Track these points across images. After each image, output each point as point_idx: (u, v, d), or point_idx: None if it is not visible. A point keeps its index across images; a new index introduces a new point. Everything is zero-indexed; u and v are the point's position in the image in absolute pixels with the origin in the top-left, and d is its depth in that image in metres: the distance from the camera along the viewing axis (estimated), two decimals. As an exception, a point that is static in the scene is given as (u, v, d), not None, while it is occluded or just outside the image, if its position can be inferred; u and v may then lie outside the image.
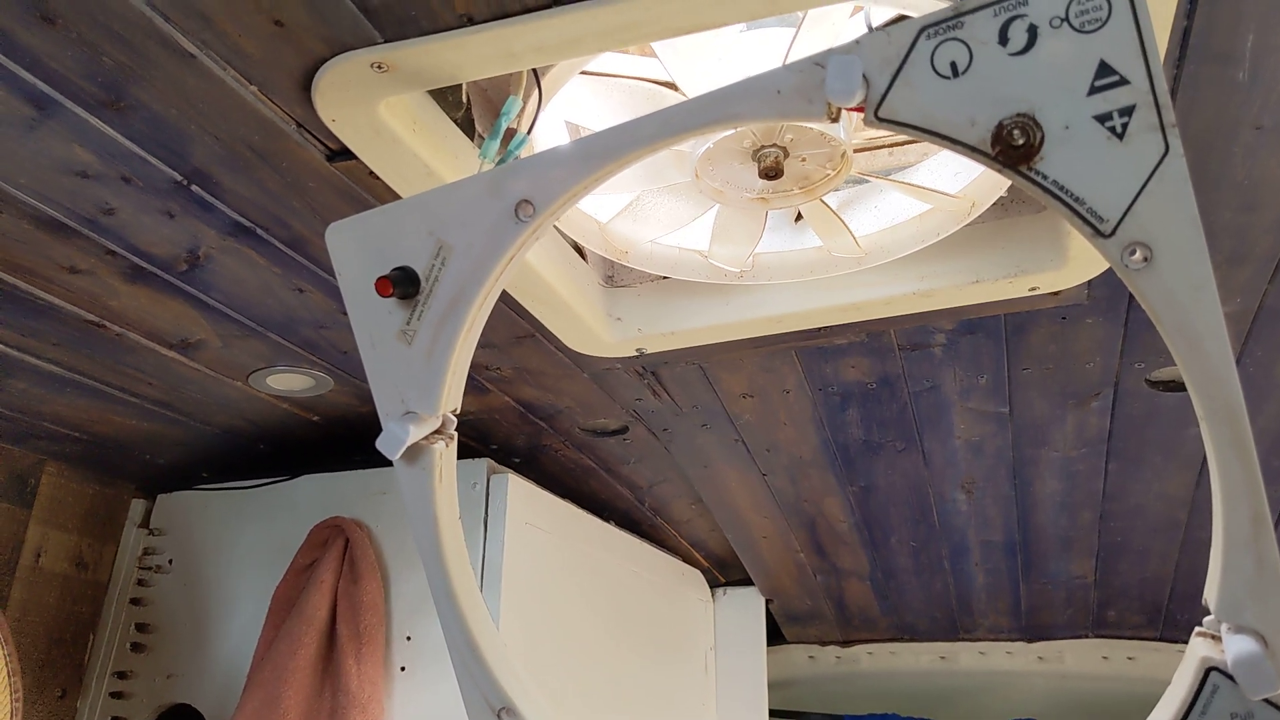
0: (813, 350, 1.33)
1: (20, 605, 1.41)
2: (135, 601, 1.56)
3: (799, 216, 1.18)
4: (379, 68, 0.75)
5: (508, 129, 0.80)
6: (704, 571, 2.35)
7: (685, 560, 2.27)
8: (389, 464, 1.47)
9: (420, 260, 0.68)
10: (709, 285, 1.22)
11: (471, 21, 0.72)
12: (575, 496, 1.81)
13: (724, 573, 2.39)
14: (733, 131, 0.90)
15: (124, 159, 0.86)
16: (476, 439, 1.60)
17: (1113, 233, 0.54)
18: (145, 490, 1.63)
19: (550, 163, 0.63)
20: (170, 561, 1.56)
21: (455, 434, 0.72)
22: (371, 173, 0.89)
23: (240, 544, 1.52)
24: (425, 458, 0.70)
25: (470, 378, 1.37)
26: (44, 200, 0.91)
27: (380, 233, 0.69)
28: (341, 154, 0.88)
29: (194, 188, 0.91)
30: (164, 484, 1.62)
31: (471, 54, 0.74)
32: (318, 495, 1.50)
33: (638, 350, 1.28)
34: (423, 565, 0.72)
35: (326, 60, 0.75)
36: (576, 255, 1.20)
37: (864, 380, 1.41)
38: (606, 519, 1.88)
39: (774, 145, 0.94)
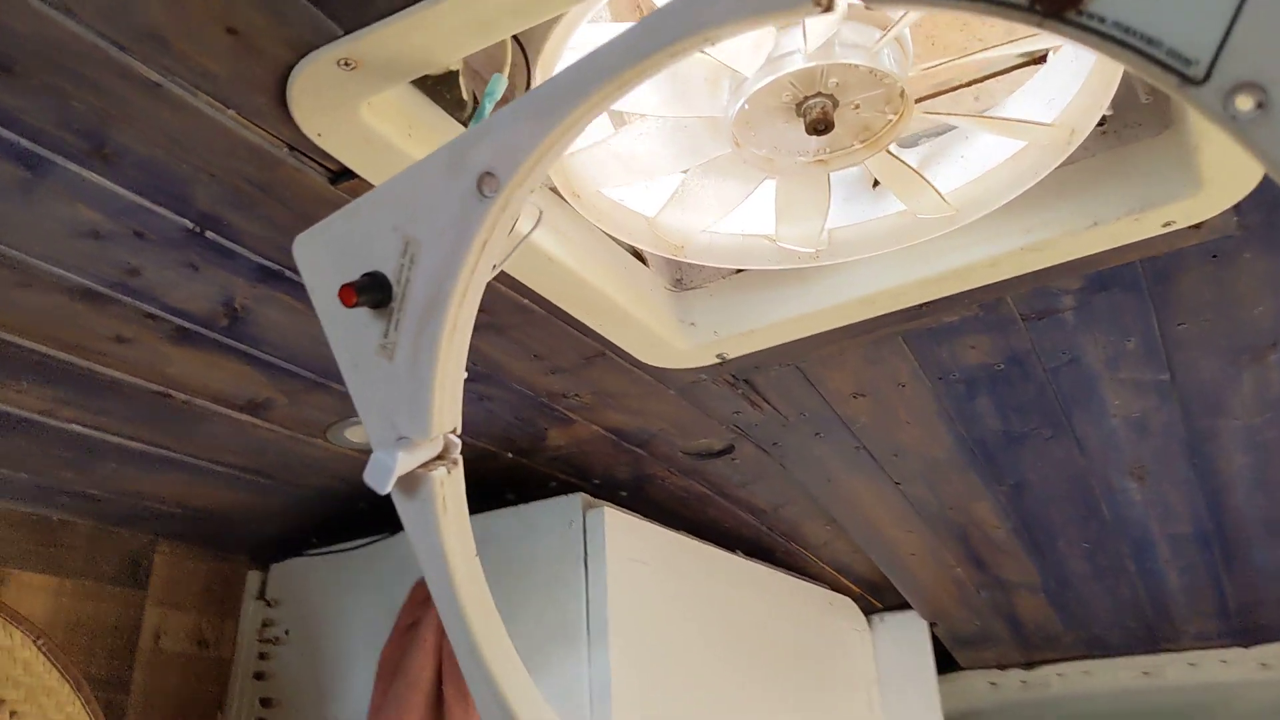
0: (921, 333, 1.18)
1: (143, 689, 1.41)
2: (258, 676, 1.53)
3: (877, 183, 1.05)
4: (346, 65, 0.68)
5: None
6: (855, 598, 2.17)
7: (832, 587, 2.11)
8: (487, 510, 1.40)
9: (389, 261, 0.59)
10: (785, 272, 1.10)
11: (429, -9, 0.64)
12: (694, 527, 1.69)
13: (879, 597, 2.21)
14: (767, 82, 0.79)
15: (129, 212, 0.83)
16: (575, 475, 1.51)
17: (1207, 76, 0.40)
18: (259, 561, 1.62)
19: (507, 122, 0.54)
20: (287, 632, 1.54)
21: (460, 459, 0.63)
22: (380, 191, 0.82)
23: (352, 607, 1.48)
24: (424, 488, 0.61)
25: (550, 409, 1.29)
26: (67, 268, 0.88)
27: (345, 237, 0.61)
28: (343, 174, 0.81)
29: (208, 234, 0.87)
30: (276, 553, 1.61)
31: (439, 30, 0.66)
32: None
33: (718, 356, 1.16)
34: (437, 608, 0.63)
35: (293, 66, 0.69)
36: (636, 260, 1.10)
37: (988, 361, 1.25)
38: (732, 549, 1.75)
39: (818, 95, 0.82)
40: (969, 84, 1.00)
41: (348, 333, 0.62)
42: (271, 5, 0.64)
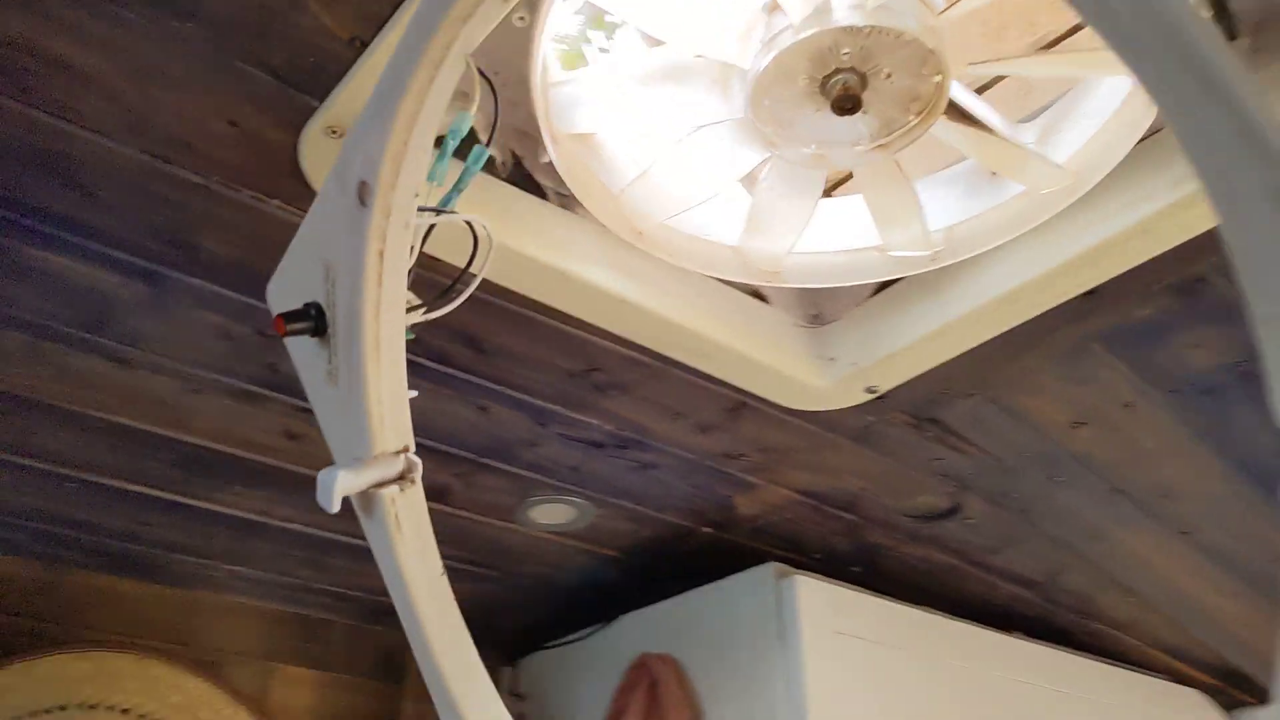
0: (1119, 336, 0.99)
1: (402, 779, 1.49)
2: (511, 771, 1.56)
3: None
4: (334, 132, 0.74)
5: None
6: (1208, 689, 1.79)
7: (1173, 677, 1.75)
8: (692, 588, 1.35)
9: (320, 290, 0.62)
10: (915, 287, 0.99)
11: (364, 44, 0.68)
12: (955, 605, 1.51)
13: (1241, 687, 1.80)
14: (765, 66, 0.73)
15: (242, 313, 0.93)
16: (788, 548, 1.42)
17: None
18: (511, 656, 1.67)
19: (362, 127, 0.55)
20: (534, 726, 1.56)
21: (417, 479, 0.62)
22: (435, 259, 0.86)
23: (585, 698, 1.48)
24: (378, 507, 0.61)
25: (721, 473, 1.23)
26: (219, 371, 1.01)
27: (294, 274, 0.64)
28: (396, 244, 0.86)
29: (315, 323, 0.95)
30: (524, 647, 1.65)
31: (388, 79, 0.69)
32: (634, 634, 1.42)
33: (868, 390, 1.05)
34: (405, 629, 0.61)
35: (296, 145, 0.76)
36: (753, 299, 1.05)
37: (1228, 360, 1.01)
38: (1009, 629, 1.53)
39: (839, 71, 0.75)
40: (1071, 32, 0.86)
41: (306, 365, 0.64)
42: (249, 91, 0.71)
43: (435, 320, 0.94)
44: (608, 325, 0.96)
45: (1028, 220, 0.87)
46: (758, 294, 1.06)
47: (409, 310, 0.68)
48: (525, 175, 0.88)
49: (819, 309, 1.10)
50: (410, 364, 0.99)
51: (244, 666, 1.38)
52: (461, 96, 0.77)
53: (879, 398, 1.07)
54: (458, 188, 0.72)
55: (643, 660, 1.33)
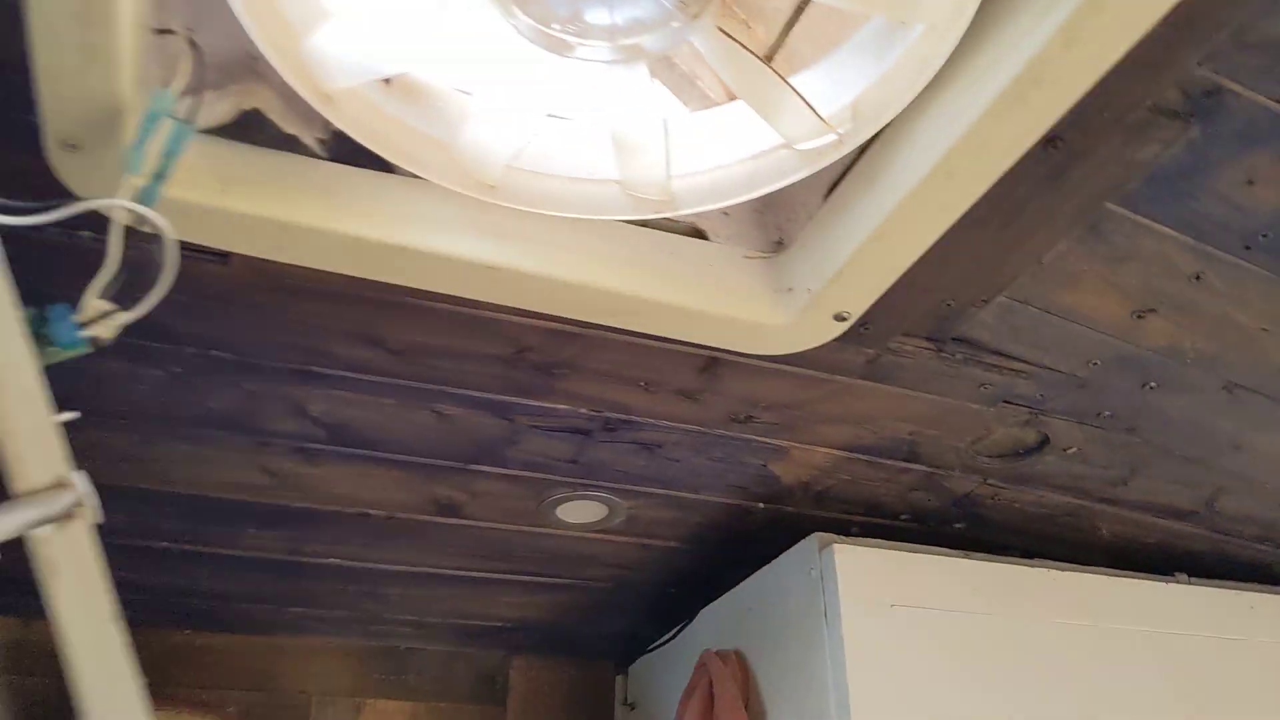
0: (1133, 189, 0.77)
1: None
2: (631, 784, 1.47)
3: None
4: (71, 146, 0.68)
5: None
6: None
7: None
8: (748, 575, 1.21)
9: None
10: (854, 184, 0.81)
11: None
12: (1105, 554, 1.27)
13: None
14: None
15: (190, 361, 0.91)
16: (865, 512, 1.23)
17: None
18: (622, 664, 1.58)
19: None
20: (644, 735, 1.46)
21: (76, 513, 0.54)
22: (265, 260, 0.79)
23: (673, 704, 1.36)
24: (33, 550, 0.54)
25: (737, 440, 1.08)
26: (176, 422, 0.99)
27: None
28: (219, 256, 0.79)
29: (212, 353, 0.91)
30: (633, 653, 1.56)
31: (63, 72, 0.63)
32: (709, 629, 1.30)
33: (838, 317, 0.88)
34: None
35: (50, 170, 0.71)
36: (689, 239, 0.90)
37: (1303, 193, 0.76)
38: (1170, 572, 1.27)
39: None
40: None
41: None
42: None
43: (279, 329, 0.87)
44: (504, 300, 0.85)
45: (928, 67, 0.68)
46: (697, 230, 0.91)
47: (102, 317, 0.61)
48: (357, 149, 0.79)
49: (781, 233, 0.93)
50: (320, 378, 0.93)
51: (330, 706, 1.38)
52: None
53: (861, 325, 0.90)
54: (160, 176, 0.65)
55: (702, 660, 1.20)
